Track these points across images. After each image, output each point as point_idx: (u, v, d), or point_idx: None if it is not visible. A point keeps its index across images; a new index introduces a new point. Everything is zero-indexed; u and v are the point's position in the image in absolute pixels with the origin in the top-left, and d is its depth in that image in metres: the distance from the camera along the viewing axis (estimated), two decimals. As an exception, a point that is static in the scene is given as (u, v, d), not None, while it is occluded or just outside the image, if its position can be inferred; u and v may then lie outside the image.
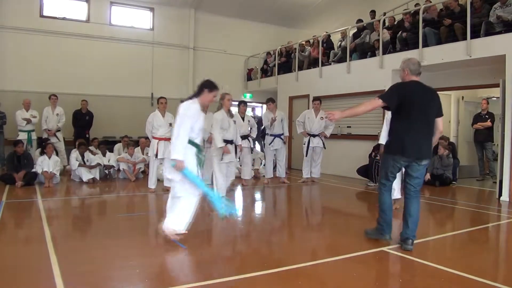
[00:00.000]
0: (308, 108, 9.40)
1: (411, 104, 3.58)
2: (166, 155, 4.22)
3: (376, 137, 8.32)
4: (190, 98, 3.96)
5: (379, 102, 3.67)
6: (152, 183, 7.05)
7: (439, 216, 5.77)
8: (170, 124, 6.76)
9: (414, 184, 3.76)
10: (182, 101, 3.92)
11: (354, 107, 3.90)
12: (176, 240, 3.82)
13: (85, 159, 8.12)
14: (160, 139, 6.87)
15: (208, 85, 3.98)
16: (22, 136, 8.71)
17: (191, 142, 3.82)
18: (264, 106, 13.76)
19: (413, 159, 3.62)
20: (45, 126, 9.21)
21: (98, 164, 8.24)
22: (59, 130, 9.38)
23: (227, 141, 6.27)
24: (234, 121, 6.49)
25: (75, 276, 3.02)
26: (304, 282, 2.97)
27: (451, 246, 4.20)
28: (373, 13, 10.33)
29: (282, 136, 8.42)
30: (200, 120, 3.92)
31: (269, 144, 8.40)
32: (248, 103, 13.60)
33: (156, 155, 6.84)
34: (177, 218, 3.86)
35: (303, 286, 2.89)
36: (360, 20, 10.39)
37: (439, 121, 3.76)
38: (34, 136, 8.96)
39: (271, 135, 8.43)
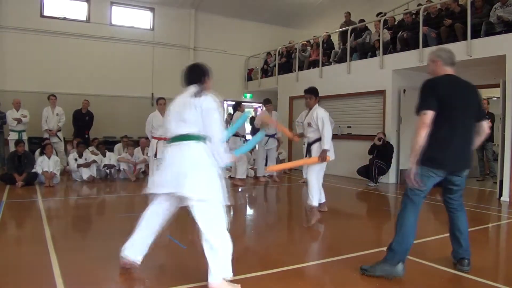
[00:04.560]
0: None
1: (451, 106, 2.93)
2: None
3: (375, 137, 8.31)
4: (199, 91, 3.03)
5: (428, 117, 2.87)
6: (151, 183, 7.04)
7: (440, 216, 5.74)
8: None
9: (457, 196, 3.23)
10: (195, 95, 3.01)
11: (414, 143, 2.92)
12: (176, 240, 3.81)
13: (83, 158, 8.15)
14: (159, 138, 6.85)
15: (207, 71, 3.16)
16: (13, 136, 8.64)
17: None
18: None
19: (455, 172, 3.09)
20: (45, 126, 9.19)
21: (94, 161, 8.25)
22: (59, 130, 9.38)
23: None
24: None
25: (75, 276, 3.02)
26: (304, 282, 2.96)
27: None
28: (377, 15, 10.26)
29: (275, 136, 8.64)
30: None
31: (264, 144, 8.59)
32: (248, 103, 13.73)
33: (155, 155, 6.84)
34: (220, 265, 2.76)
35: (303, 286, 2.89)
36: (362, 20, 10.37)
37: (484, 124, 3.15)
38: (25, 136, 8.84)
39: (266, 135, 8.56)
